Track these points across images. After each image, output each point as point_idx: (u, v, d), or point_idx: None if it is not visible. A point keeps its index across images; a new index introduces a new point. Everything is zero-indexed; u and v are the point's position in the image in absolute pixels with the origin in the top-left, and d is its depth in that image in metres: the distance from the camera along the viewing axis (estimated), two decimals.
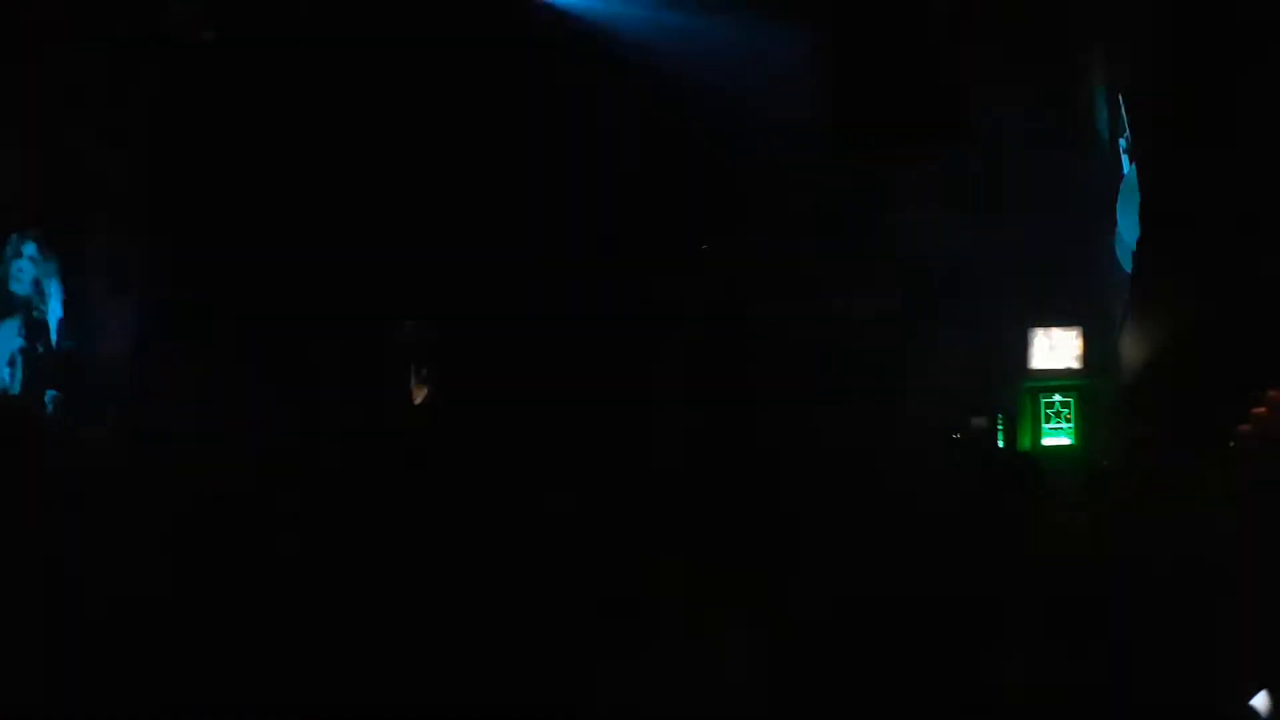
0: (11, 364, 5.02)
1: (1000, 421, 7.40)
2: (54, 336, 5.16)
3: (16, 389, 4.95)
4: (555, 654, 3.58)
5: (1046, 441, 7.03)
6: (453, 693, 3.30)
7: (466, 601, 3.89)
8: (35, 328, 5.10)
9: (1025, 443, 7.10)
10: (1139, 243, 4.28)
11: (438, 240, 7.80)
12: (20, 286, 5.04)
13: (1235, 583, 2.10)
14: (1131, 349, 5.47)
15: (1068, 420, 6.99)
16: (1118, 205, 5.72)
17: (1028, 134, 7.02)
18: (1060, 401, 7.02)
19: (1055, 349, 7.39)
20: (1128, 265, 5.44)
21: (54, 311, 5.19)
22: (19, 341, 5.03)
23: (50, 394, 5.08)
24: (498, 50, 6.57)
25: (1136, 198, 4.07)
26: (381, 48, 6.41)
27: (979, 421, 7.98)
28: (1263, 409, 2.25)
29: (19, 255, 5.03)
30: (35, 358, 5.09)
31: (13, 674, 3.19)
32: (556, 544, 4.41)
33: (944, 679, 3.77)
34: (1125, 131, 4.94)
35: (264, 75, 5.94)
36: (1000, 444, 7.25)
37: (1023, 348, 7.45)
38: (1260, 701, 1.84)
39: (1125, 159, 4.83)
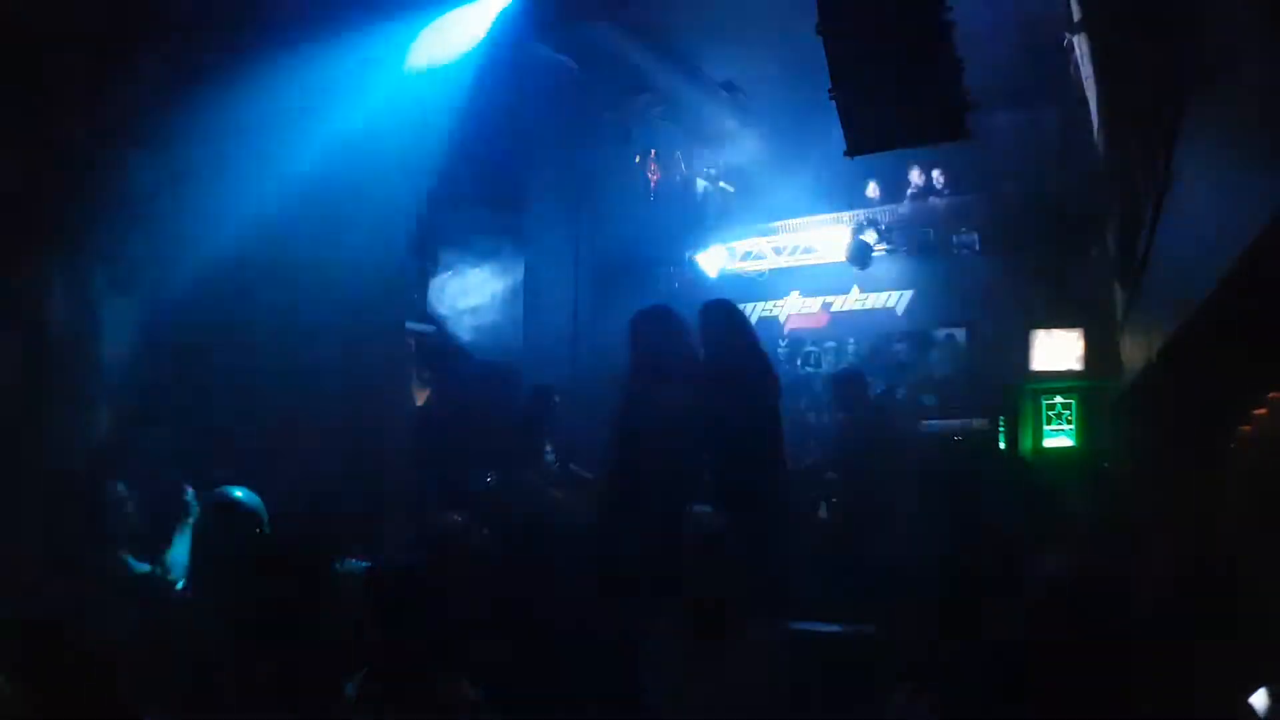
0: (25, 372, 5.03)
1: (1001, 423, 7.40)
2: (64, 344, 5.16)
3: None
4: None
5: (1048, 443, 7.02)
6: None
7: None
8: (44, 335, 5.10)
9: (1027, 444, 7.10)
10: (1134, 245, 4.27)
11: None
12: (30, 297, 5.04)
13: (1235, 581, 2.10)
14: (1132, 350, 5.47)
15: (1069, 422, 6.99)
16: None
17: (1031, 131, 7.05)
18: (1061, 403, 7.02)
19: (1056, 350, 7.39)
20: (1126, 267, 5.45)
21: (61, 319, 5.19)
22: (28, 350, 5.04)
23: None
24: None
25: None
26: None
27: (980, 423, 7.98)
28: (1263, 409, 2.26)
29: (27, 266, 5.04)
30: (44, 366, 5.09)
31: None
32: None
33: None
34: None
35: (267, 73, 5.94)
36: (1002, 445, 7.25)
37: (1024, 349, 7.46)
38: (1259, 700, 1.83)
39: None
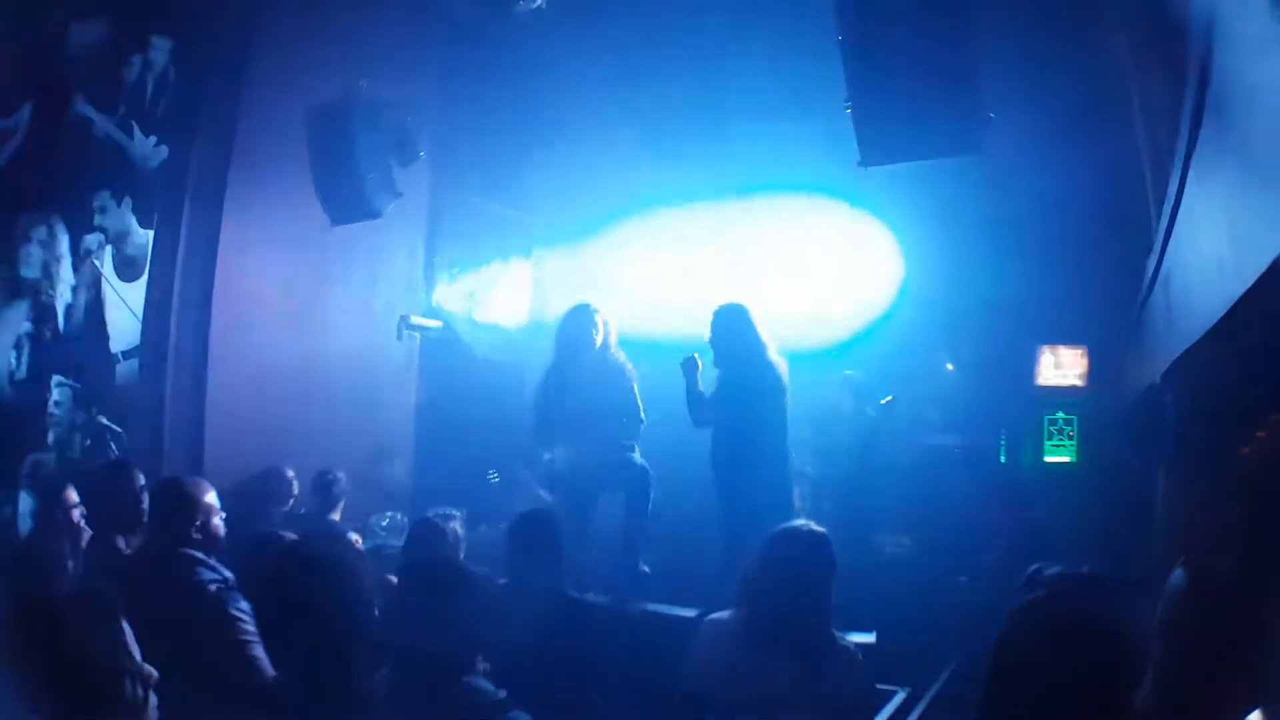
0: (18, 348, 5.01)
1: (1003, 437, 7.39)
2: (62, 322, 5.16)
3: (23, 374, 4.94)
4: None
5: (1048, 459, 7.00)
6: None
7: None
8: (43, 312, 5.09)
9: (1026, 459, 7.08)
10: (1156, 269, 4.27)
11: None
12: (29, 270, 5.03)
13: (1236, 602, 2.10)
14: (1136, 369, 5.47)
15: (1070, 438, 6.97)
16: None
17: (1041, 148, 7.00)
18: (1064, 419, 7.00)
19: (1061, 367, 7.38)
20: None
21: (63, 296, 5.18)
22: (26, 326, 5.03)
23: (56, 379, 5.08)
24: None
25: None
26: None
27: (981, 436, 7.97)
28: (1264, 432, 2.26)
29: (28, 239, 5.03)
30: (42, 343, 5.08)
31: None
32: None
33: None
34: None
35: (275, 65, 5.96)
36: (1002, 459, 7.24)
37: (1030, 364, 7.44)
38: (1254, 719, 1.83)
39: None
